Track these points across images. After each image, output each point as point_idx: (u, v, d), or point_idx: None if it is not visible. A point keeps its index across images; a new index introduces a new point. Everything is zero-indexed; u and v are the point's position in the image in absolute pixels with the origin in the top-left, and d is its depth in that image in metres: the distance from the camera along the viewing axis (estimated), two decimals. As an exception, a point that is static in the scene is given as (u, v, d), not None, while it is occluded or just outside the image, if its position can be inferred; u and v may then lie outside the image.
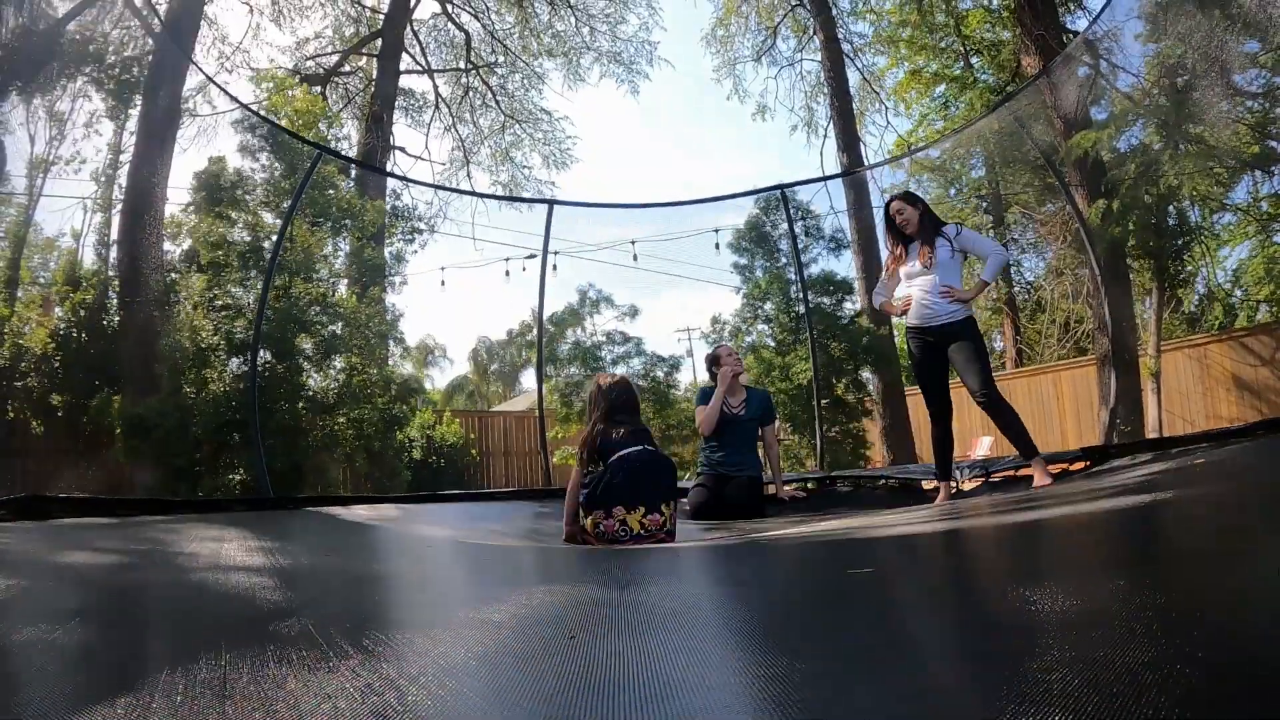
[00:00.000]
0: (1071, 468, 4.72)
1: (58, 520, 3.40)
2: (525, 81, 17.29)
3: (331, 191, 10.03)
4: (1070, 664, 0.89)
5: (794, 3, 15.83)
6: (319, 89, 15.83)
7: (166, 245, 10.03)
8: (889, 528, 3.10)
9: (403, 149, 16.61)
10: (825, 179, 11.29)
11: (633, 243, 9.25)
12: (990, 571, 1.96)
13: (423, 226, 13.78)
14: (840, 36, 14.98)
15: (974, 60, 17.65)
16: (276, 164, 9.65)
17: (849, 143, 13.65)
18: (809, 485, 6.25)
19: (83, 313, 10.87)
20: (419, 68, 16.95)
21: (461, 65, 16.99)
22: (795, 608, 1.57)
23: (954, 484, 4.79)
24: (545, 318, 9.00)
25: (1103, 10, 8.49)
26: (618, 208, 8.54)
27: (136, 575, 2.28)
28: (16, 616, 1.56)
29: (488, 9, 16.79)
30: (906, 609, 1.50)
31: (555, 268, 8.08)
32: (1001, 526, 2.67)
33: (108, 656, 1.30)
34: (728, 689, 1.01)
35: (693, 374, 19.40)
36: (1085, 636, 1.04)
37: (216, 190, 9.37)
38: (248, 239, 9.31)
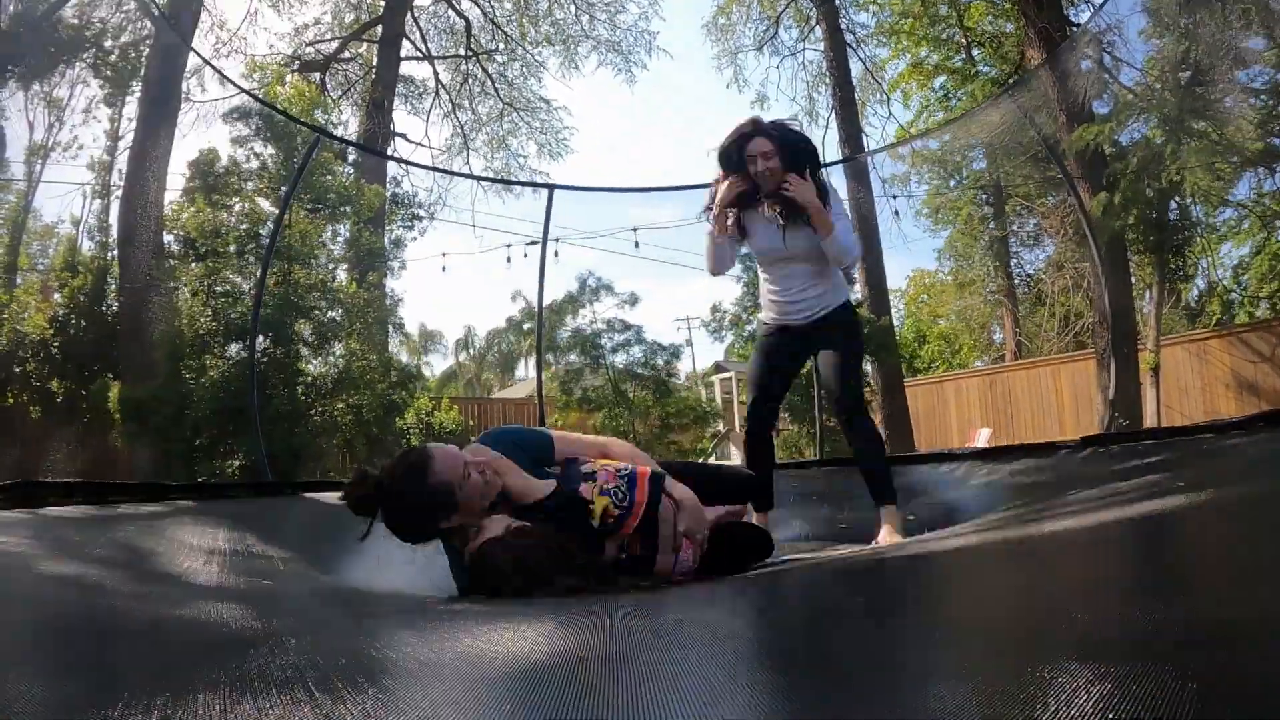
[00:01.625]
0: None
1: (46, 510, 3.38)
2: (524, 69, 17.23)
3: (329, 177, 10.00)
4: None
5: (797, -8, 15.77)
6: (318, 75, 15.77)
7: (165, 232, 10.01)
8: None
9: (404, 135, 16.56)
10: (826, 165, 11.26)
11: (634, 230, 9.22)
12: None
13: (423, 214, 13.76)
14: (843, 26, 14.91)
15: (976, 52, 17.60)
16: (275, 150, 9.61)
17: (851, 133, 13.61)
18: None
19: (81, 298, 10.86)
20: (419, 54, 16.87)
21: (461, 52, 16.91)
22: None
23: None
24: (545, 305, 8.99)
25: (1105, 2, 8.46)
26: (617, 191, 8.50)
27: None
28: None
29: (488, -5, 16.72)
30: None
31: (557, 254, 8.07)
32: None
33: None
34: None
35: (692, 363, 19.42)
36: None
37: (214, 176, 9.34)
38: (245, 226, 9.29)
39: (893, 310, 14.21)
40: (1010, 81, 13.50)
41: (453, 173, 16.23)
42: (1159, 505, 2.32)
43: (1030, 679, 0.82)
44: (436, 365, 35.07)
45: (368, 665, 1.14)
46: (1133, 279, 11.67)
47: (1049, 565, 1.80)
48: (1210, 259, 15.64)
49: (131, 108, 11.37)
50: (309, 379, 9.24)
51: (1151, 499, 2.54)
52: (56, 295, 11.39)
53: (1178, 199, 10.48)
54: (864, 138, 14.87)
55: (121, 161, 11.61)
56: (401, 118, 19.29)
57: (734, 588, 2.14)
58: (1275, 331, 10.71)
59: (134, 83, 11.21)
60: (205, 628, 1.41)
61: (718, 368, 18.90)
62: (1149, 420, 10.06)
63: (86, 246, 12.09)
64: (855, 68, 15.76)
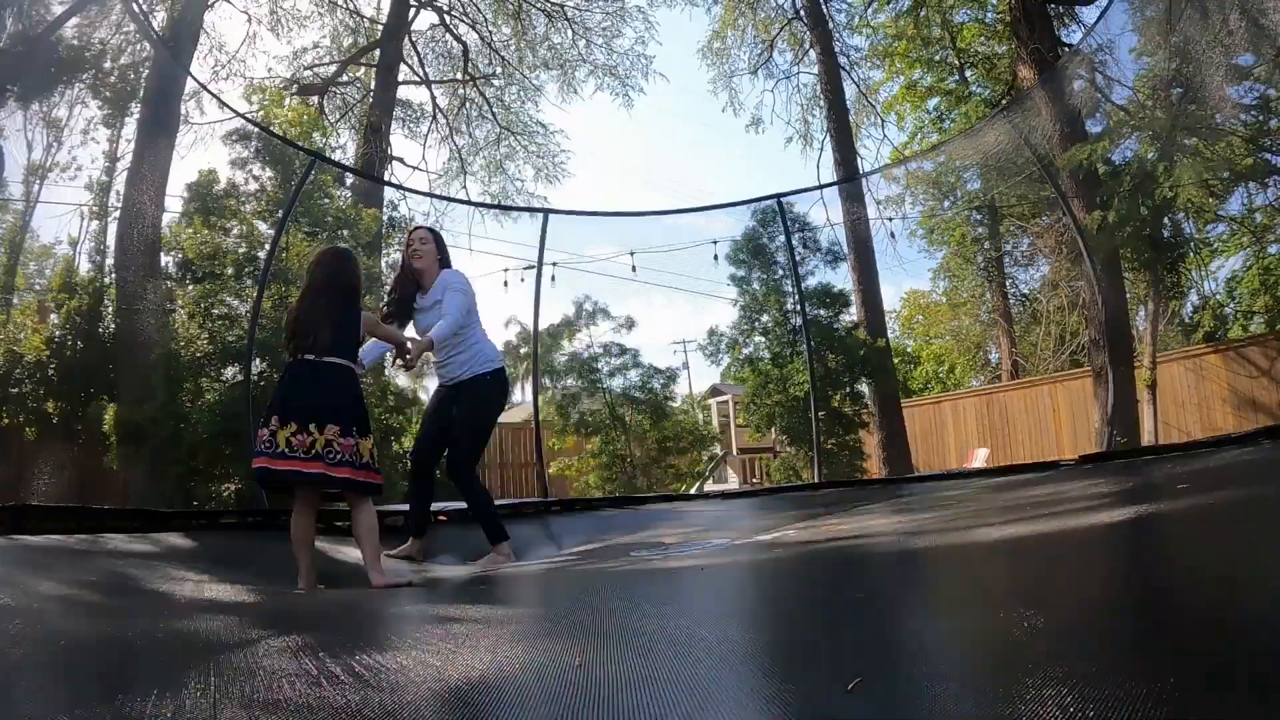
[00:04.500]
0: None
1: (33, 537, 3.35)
2: (521, 94, 17.34)
3: (326, 201, 10.01)
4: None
5: (790, 16, 15.90)
6: (316, 99, 15.84)
7: (163, 254, 10.00)
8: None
9: (400, 159, 16.61)
10: (822, 187, 11.34)
11: (631, 254, 9.22)
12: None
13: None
14: (836, 50, 15.04)
15: (969, 74, 17.74)
16: (272, 173, 9.63)
17: (845, 156, 13.68)
18: None
19: (78, 320, 10.83)
20: (417, 78, 16.98)
21: (459, 76, 17.02)
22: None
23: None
24: (542, 329, 8.98)
25: (1097, 22, 8.55)
26: (612, 215, 8.52)
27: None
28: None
29: (486, 20, 16.84)
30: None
31: (554, 279, 8.08)
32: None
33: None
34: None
35: (689, 386, 19.39)
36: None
37: (211, 199, 9.34)
38: (243, 248, 9.29)
39: (888, 331, 14.24)
40: (1004, 102, 13.59)
41: (448, 198, 16.31)
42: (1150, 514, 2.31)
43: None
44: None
45: (363, 671, 1.13)
46: (1128, 296, 11.70)
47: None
48: (1202, 273, 15.73)
49: (130, 129, 11.39)
50: (305, 402, 9.19)
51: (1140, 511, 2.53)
52: (53, 316, 11.36)
53: (1169, 216, 10.53)
54: (858, 160, 14.97)
55: (120, 183, 11.62)
56: (399, 142, 19.38)
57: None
58: (1272, 346, 10.72)
59: (133, 104, 11.25)
60: (196, 644, 1.38)
61: (714, 390, 18.87)
62: (1146, 437, 10.05)
63: (84, 267, 12.07)
64: (849, 90, 15.88)
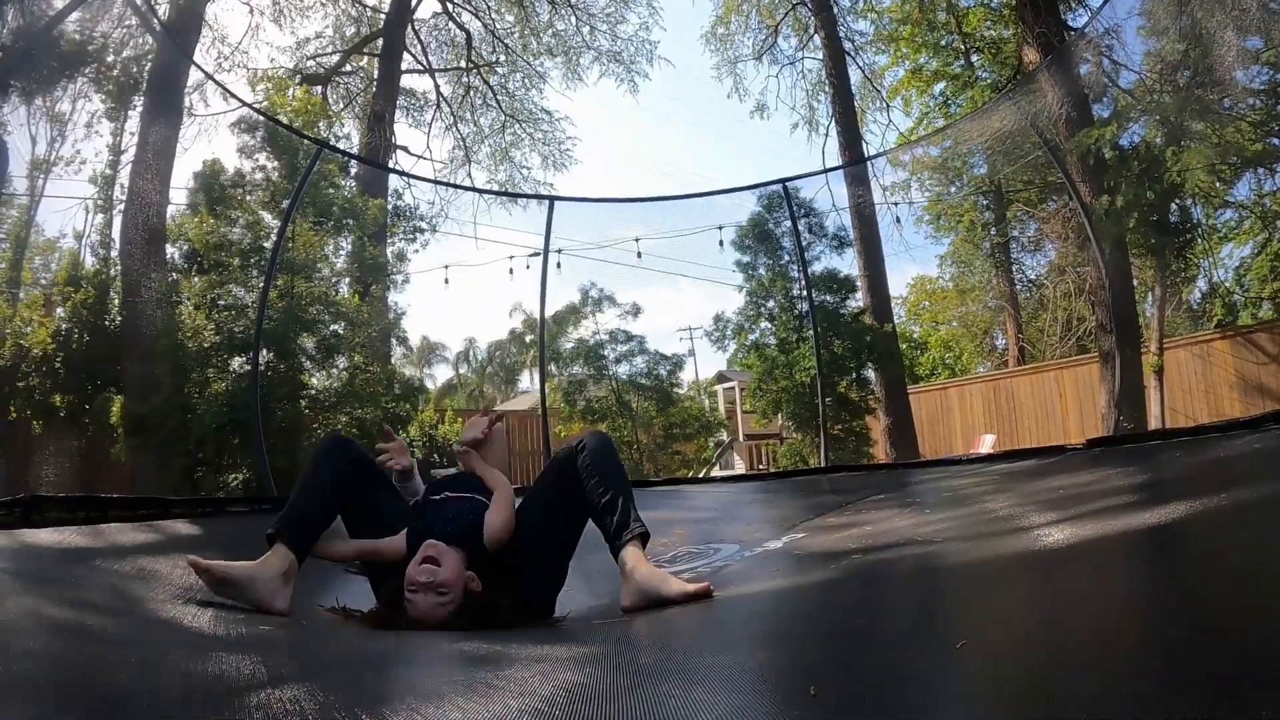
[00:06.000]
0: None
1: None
2: (526, 81, 17.29)
3: (332, 190, 10.01)
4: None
5: (795, 1, 15.81)
6: (320, 89, 15.81)
7: (168, 245, 10.01)
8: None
9: (405, 148, 16.59)
10: (827, 170, 11.29)
11: (636, 240, 9.21)
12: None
13: (425, 226, 13.76)
14: (841, 35, 14.95)
15: (975, 58, 17.63)
16: (277, 163, 9.62)
17: (851, 141, 13.63)
18: None
19: (84, 312, 10.86)
20: (420, 67, 16.93)
21: (462, 64, 16.97)
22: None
23: None
24: (548, 316, 8.98)
25: (1103, 5, 8.48)
26: (618, 202, 8.51)
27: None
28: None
29: (489, 8, 16.78)
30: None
31: (560, 266, 8.08)
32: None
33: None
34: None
35: (695, 373, 19.40)
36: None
37: (216, 190, 9.34)
38: (249, 239, 9.29)
39: (895, 316, 14.21)
40: (1010, 85, 13.51)
41: (454, 185, 16.27)
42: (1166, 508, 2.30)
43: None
44: (439, 376, 35.14)
45: (370, 693, 1.12)
46: (1135, 282, 11.64)
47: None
48: (1212, 260, 15.64)
49: (134, 122, 11.39)
50: (312, 392, 9.22)
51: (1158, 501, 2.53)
52: (59, 309, 11.38)
53: (1178, 201, 10.46)
54: (864, 145, 14.90)
55: (124, 175, 11.63)
56: (403, 131, 19.34)
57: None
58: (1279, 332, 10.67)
59: (136, 97, 11.24)
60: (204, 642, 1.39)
61: (720, 377, 18.90)
62: (1153, 423, 10.03)
63: (89, 261, 12.09)
64: (854, 75, 15.80)
